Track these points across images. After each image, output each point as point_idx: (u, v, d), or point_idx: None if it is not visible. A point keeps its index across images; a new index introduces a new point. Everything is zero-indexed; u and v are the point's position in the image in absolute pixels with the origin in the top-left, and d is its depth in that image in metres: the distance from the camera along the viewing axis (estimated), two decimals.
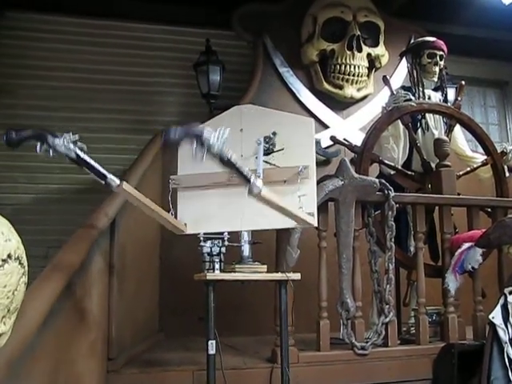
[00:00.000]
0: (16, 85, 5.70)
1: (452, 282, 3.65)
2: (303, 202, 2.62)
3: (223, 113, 2.94)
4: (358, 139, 4.35)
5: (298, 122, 2.84)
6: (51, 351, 2.13)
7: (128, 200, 2.46)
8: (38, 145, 2.04)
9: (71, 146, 2.07)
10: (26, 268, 1.19)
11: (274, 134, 2.77)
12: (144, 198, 2.44)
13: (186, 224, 2.78)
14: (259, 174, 2.63)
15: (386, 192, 3.60)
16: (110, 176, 2.21)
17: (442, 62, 4.27)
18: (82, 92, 5.74)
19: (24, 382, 1.81)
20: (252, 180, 2.04)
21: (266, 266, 3.03)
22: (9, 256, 1.10)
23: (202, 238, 2.88)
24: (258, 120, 2.83)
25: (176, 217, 2.87)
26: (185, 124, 1.90)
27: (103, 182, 2.21)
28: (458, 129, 4.37)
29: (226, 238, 2.88)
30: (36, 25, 5.77)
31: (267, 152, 2.73)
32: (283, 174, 2.70)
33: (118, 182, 2.22)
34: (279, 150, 2.69)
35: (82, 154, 2.09)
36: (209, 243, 2.88)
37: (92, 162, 2.15)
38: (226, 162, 1.94)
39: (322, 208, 3.43)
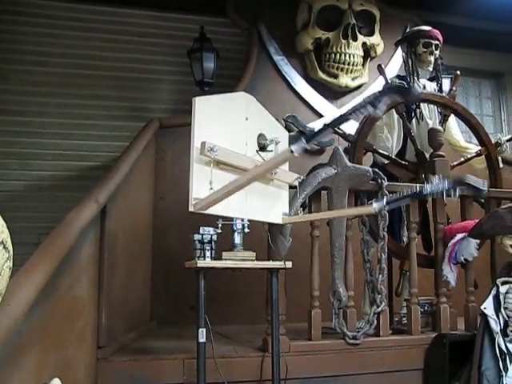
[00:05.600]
0: (9, 70, 5.65)
1: (449, 273, 3.64)
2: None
3: (227, 94, 2.85)
4: (351, 129, 4.32)
5: (281, 135, 2.84)
6: (39, 338, 2.10)
7: None
8: None
9: None
10: (11, 253, 1.17)
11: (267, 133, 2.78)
12: None
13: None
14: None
15: (380, 181, 3.59)
16: None
17: (437, 52, 4.25)
18: (75, 78, 5.70)
19: (10, 370, 1.79)
20: None
21: (254, 254, 3.00)
22: None
23: (220, 225, 2.87)
24: (257, 114, 2.79)
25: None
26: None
27: None
28: (452, 119, 4.36)
29: (243, 225, 2.93)
30: (29, 9, 5.71)
31: (262, 149, 2.72)
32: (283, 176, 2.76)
33: None
34: (270, 151, 2.70)
35: None
36: (201, 230, 2.86)
37: None
38: None
39: (314, 196, 3.42)
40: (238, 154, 2.54)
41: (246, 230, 2.99)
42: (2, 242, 1.12)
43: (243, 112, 2.64)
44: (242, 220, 2.99)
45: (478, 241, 3.61)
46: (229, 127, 2.51)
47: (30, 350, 2.00)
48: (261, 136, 2.69)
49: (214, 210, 2.52)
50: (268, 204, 2.79)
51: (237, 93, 2.95)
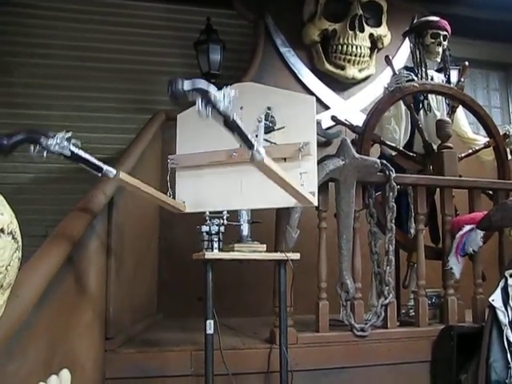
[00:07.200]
0: (16, 63, 5.66)
1: (455, 265, 3.62)
2: (304, 179, 2.60)
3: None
4: (359, 120, 4.31)
5: (299, 100, 2.81)
6: (47, 330, 2.11)
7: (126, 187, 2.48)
8: (32, 147, 2.05)
9: (65, 143, 2.06)
10: (20, 243, 1.16)
11: (274, 111, 2.74)
12: (141, 184, 2.49)
13: (184, 202, 2.77)
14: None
15: (387, 173, 3.57)
16: (105, 168, 2.24)
17: (445, 43, 4.23)
18: (81, 70, 5.69)
19: (19, 361, 1.79)
20: (255, 146, 1.94)
21: (265, 246, 2.99)
22: (1, 230, 1.07)
23: (207, 218, 2.86)
24: (258, 98, 2.79)
25: (174, 197, 2.87)
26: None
27: (99, 175, 2.24)
28: (460, 110, 4.34)
29: (225, 217, 2.85)
30: (36, 2, 5.71)
31: (268, 130, 2.70)
32: (284, 151, 2.66)
33: (114, 172, 2.24)
34: (280, 128, 2.65)
35: (76, 150, 2.10)
36: (208, 222, 2.85)
37: (87, 157, 2.18)
38: (231, 123, 1.81)
39: (322, 188, 3.39)
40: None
41: (226, 222, 2.90)
42: (10, 232, 1.11)
43: (237, 102, 2.64)
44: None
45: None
46: (214, 125, 2.52)
47: (38, 340, 2.01)
48: (266, 116, 2.67)
49: (208, 207, 2.59)
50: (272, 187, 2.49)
51: (229, 87, 2.95)
